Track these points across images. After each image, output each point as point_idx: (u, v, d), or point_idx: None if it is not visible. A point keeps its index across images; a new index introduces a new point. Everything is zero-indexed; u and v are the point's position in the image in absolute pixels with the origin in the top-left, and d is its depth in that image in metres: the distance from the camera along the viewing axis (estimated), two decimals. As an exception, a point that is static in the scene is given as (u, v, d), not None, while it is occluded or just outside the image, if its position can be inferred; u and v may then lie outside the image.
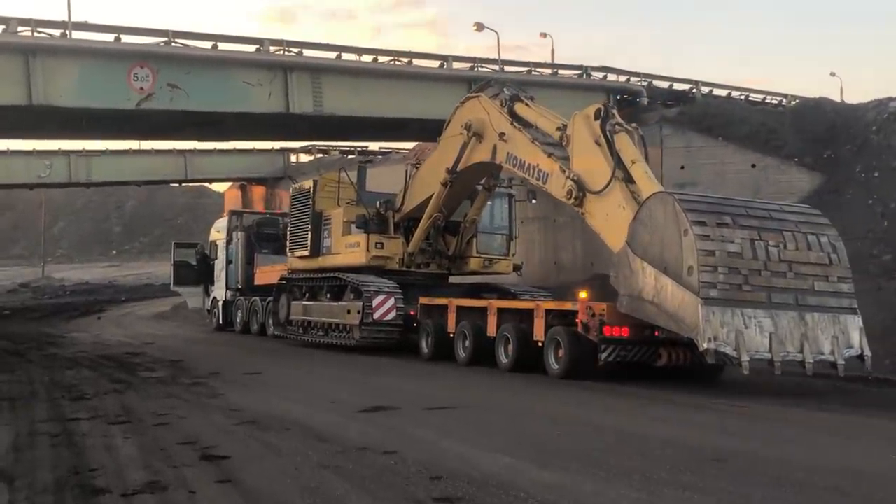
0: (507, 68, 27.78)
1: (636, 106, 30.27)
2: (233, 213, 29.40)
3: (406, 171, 20.00)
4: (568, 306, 14.24)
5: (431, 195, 18.42)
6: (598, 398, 12.35)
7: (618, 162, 13.64)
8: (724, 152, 27.09)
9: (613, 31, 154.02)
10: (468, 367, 16.26)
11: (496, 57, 28.24)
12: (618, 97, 29.94)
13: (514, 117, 16.14)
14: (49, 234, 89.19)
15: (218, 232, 29.01)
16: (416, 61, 25.60)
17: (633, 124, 14.84)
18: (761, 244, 12.08)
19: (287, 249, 22.62)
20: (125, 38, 20.16)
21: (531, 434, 9.12)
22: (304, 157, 49.78)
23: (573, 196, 14.20)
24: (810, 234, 12.65)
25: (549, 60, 31.18)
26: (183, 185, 78.62)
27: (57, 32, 19.14)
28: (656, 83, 32.38)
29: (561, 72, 29.31)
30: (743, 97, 35.91)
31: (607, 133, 13.94)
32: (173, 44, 20.68)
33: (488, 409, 10.98)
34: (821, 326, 12.09)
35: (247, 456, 8.05)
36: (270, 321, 23.90)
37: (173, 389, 13.45)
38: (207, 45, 21.63)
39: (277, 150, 47.74)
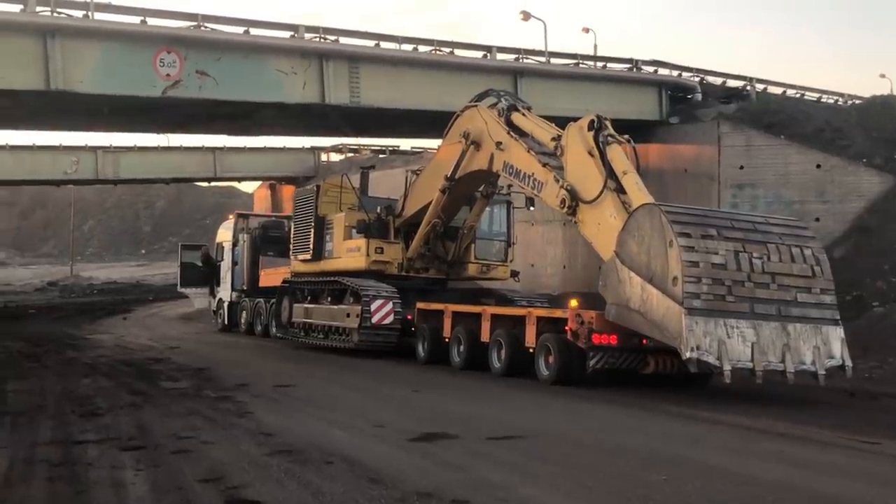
0: (553, 60, 26.17)
1: (689, 102, 28.54)
2: (239, 215, 29.43)
3: (406, 178, 20.26)
4: (558, 314, 14.61)
5: (431, 201, 18.63)
6: (669, 424, 10.74)
7: (609, 172, 13.85)
8: (786, 152, 25.29)
9: (649, 29, 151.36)
10: (502, 379, 15.08)
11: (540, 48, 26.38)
12: (670, 93, 28.20)
13: (511, 127, 16.35)
14: (79, 233, 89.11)
15: (224, 234, 29.20)
16: (457, 52, 24.05)
17: (626, 136, 14.88)
18: (745, 256, 12.30)
19: (290, 252, 22.80)
20: (151, 21, 18.74)
21: (629, 478, 7.43)
22: (335, 157, 48.45)
23: (566, 205, 14.46)
24: (794, 246, 12.82)
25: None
26: (212, 185, 78.03)
27: (78, 13, 17.75)
28: (709, 79, 30.57)
29: (609, 65, 27.63)
30: (798, 95, 34.00)
31: (600, 144, 14.15)
32: (202, 28, 19.26)
33: (560, 440, 9.34)
34: (803, 336, 12.28)
35: (282, 502, 6.54)
36: (273, 323, 23.89)
37: (197, 405, 12.00)
38: (238, 30, 20.20)
39: (308, 149, 46.63)
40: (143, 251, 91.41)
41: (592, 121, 14.43)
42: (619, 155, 14.13)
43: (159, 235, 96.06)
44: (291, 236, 22.97)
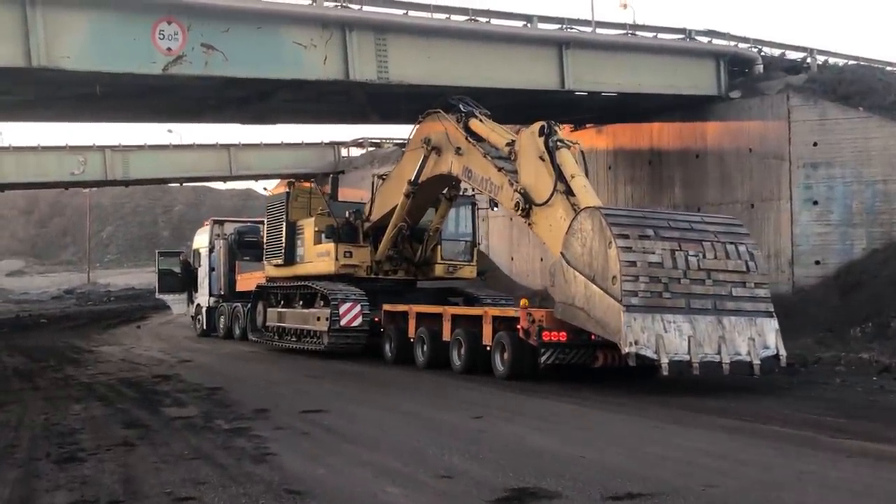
0: (599, 30, 23.44)
1: (750, 75, 25.72)
2: (215, 221, 30.08)
3: (373, 183, 20.92)
4: (511, 313, 15.18)
5: (396, 205, 19.20)
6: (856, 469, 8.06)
7: (559, 176, 14.47)
8: (866, 126, 22.41)
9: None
10: (586, 401, 12.45)
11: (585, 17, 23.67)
12: (728, 65, 25.38)
13: (469, 132, 17.01)
14: (97, 240, 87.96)
15: (201, 240, 29.93)
16: (495, 21, 21.37)
17: (575, 141, 15.64)
18: (681, 254, 12.87)
19: (264, 257, 23.43)
20: (148, -13, 16.24)
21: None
22: (356, 151, 45.92)
23: (520, 208, 15.06)
24: (729, 243, 13.37)
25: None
26: (230, 188, 75.89)
27: (63, -22, 15.28)
28: (766, 50, 27.71)
29: (660, 35, 24.87)
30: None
31: (550, 148, 14.72)
32: (208, -5, 16.71)
33: (713, 499, 6.65)
34: (738, 329, 12.76)
35: None
36: (249, 327, 24.25)
37: (204, 442, 9.51)
38: (249, -2, 17.66)
39: (327, 144, 44.10)
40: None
41: (543, 126, 14.94)
42: (567, 159, 14.70)
43: (178, 240, 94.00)
44: (265, 241, 23.48)
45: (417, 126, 18.74)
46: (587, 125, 28.72)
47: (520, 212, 15.13)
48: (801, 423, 10.20)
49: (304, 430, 10.12)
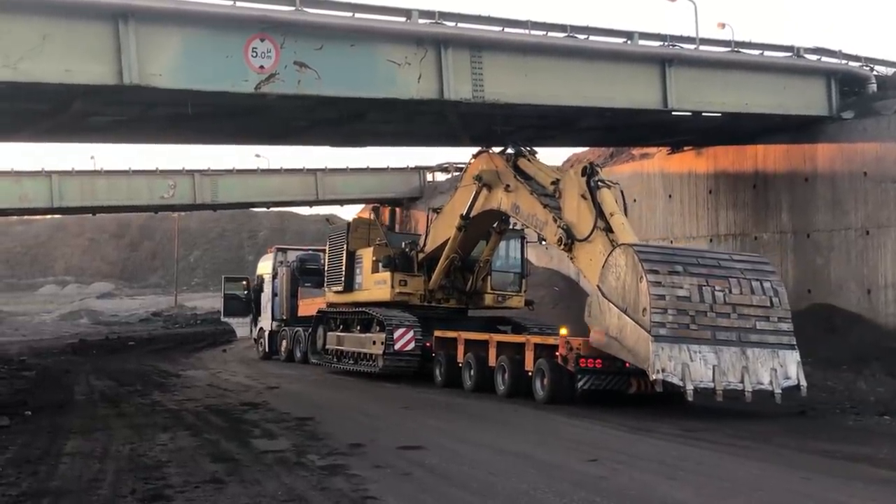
0: (703, 47, 22.28)
1: (862, 94, 24.19)
2: (278, 249, 31.53)
3: (427, 216, 22.21)
4: (550, 341, 15.92)
5: (449, 238, 20.23)
6: None
7: (599, 213, 15.35)
8: None
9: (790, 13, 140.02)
10: (690, 439, 11.26)
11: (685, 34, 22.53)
12: (839, 83, 23.91)
13: (517, 171, 17.98)
14: (184, 264, 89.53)
15: (264, 267, 31.26)
16: (594, 39, 20.44)
17: (616, 181, 16.53)
18: (708, 289, 13.67)
19: (325, 284, 24.52)
20: (241, 4, 15.81)
21: None
22: (441, 176, 45.43)
23: (563, 243, 15.89)
24: (754, 280, 14.15)
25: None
26: (313, 212, 76.22)
27: (157, -6, 14.96)
28: (878, 69, 26.11)
29: (766, 53, 23.58)
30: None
31: (592, 188, 15.62)
32: (301, 12, 16.21)
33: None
34: (760, 360, 13.47)
35: None
36: (310, 350, 25.23)
37: (298, 481, 8.79)
38: (343, 14, 17.12)
39: (413, 169, 43.71)
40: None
41: (585, 167, 15.96)
42: (608, 197, 15.55)
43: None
44: (326, 269, 24.64)
45: (469, 164, 19.75)
46: (685, 147, 27.52)
47: (563, 246, 15.92)
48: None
49: (405, 469, 9.28)
